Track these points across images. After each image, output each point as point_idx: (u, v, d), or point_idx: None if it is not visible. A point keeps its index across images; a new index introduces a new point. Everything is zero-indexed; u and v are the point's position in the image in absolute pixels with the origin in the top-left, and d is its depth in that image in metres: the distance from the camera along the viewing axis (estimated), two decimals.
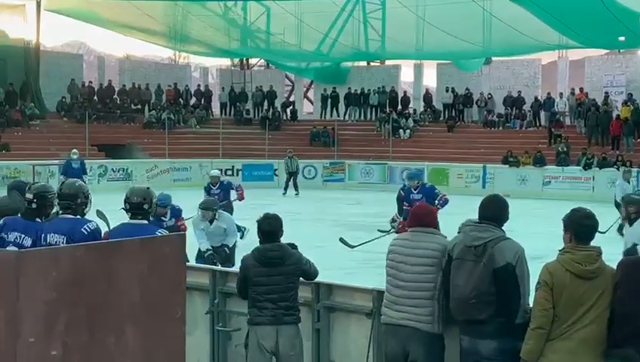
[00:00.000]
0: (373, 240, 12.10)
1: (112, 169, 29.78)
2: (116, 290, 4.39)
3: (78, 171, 21.52)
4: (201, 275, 6.53)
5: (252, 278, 5.81)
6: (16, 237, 5.71)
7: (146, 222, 5.78)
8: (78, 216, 5.74)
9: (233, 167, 31.92)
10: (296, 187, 28.03)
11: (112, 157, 31.11)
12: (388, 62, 39.86)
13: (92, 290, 4.26)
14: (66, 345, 3.97)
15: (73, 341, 4.11)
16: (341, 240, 11.28)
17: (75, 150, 24.40)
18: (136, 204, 5.76)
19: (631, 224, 8.64)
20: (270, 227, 5.90)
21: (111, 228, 5.89)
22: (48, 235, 5.58)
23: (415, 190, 12.98)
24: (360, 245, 11.76)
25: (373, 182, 30.81)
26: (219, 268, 6.72)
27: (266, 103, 37.78)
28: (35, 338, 3.94)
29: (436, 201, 12.21)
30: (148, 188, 5.96)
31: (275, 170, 31.54)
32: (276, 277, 5.77)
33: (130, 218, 5.81)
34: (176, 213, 11.28)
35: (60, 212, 5.77)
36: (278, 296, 5.76)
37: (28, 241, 5.67)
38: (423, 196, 12.61)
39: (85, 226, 5.60)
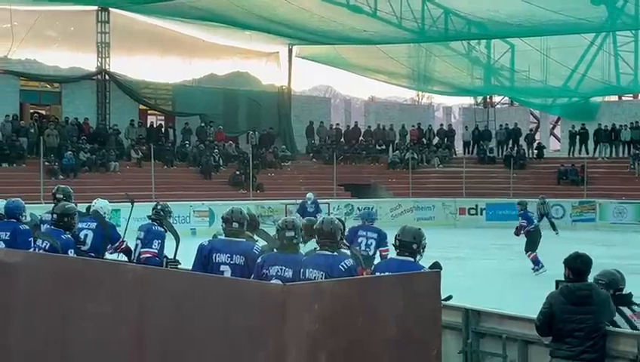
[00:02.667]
0: None
1: (358, 208, 30.43)
2: (374, 324, 4.46)
3: (313, 214, 21.77)
4: (453, 313, 6.49)
5: (558, 315, 5.78)
6: (278, 271, 5.97)
7: (412, 259, 6.00)
8: (336, 253, 5.97)
9: (477, 206, 31.60)
10: (553, 226, 27.19)
11: (357, 196, 31.96)
12: None
13: (351, 324, 4.36)
14: None
15: None
16: None
17: (309, 194, 24.77)
18: (407, 243, 6.04)
19: None
20: (582, 266, 5.88)
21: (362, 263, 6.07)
22: (307, 270, 5.80)
23: None
24: None
25: (627, 223, 29.21)
26: (472, 306, 6.62)
27: (510, 141, 37.14)
28: None
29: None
30: (419, 228, 6.20)
31: None
32: (583, 316, 5.72)
33: (398, 254, 6.07)
34: None
35: (318, 248, 6.01)
36: (583, 334, 5.70)
37: (289, 273, 5.92)
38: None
39: (343, 263, 5.78)
